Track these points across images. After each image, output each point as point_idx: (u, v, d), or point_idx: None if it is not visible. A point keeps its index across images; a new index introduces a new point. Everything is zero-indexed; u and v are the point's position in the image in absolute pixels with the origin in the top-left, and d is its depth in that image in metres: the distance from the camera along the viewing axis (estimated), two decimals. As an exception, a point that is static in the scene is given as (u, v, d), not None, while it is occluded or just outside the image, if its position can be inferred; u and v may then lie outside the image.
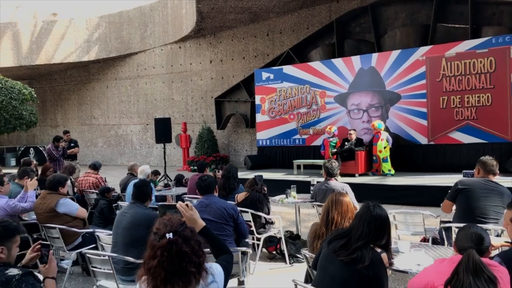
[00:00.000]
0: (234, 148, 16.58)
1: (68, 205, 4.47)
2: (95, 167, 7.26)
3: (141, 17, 18.71)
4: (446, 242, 3.96)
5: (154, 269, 1.79)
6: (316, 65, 11.78)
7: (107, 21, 19.31)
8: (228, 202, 4.16)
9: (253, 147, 16.03)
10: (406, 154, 10.39)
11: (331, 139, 10.43)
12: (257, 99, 12.80)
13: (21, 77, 21.29)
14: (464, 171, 5.31)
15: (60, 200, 4.44)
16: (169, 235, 1.80)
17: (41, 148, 18.70)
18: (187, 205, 2.28)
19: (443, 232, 4.05)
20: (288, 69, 12.28)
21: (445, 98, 9.95)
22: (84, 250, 3.46)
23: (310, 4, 14.16)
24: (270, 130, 12.50)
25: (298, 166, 10.61)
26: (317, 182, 5.43)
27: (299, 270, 4.65)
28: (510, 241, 2.81)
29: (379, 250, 2.50)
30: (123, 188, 6.52)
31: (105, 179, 7.40)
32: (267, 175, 9.39)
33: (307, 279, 3.26)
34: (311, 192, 5.30)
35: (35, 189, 4.93)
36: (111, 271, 3.22)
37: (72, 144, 9.59)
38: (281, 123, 12.32)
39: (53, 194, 4.51)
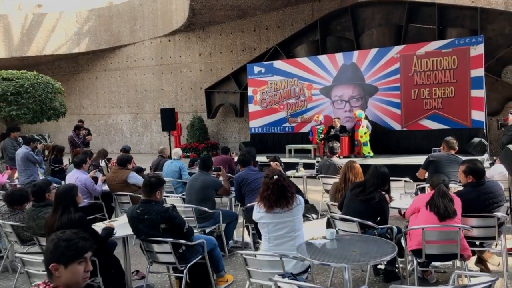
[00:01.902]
0: (223, 136, 17.83)
1: (136, 177, 5.76)
2: (126, 150, 8.44)
3: (130, 11, 19.51)
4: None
5: (268, 196, 3.17)
6: (304, 60, 13.18)
7: (96, 14, 20.04)
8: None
9: (241, 135, 17.34)
10: (383, 139, 11.94)
11: (318, 126, 11.88)
12: (250, 90, 14.11)
13: (9, 68, 21.72)
14: (433, 148, 6.81)
15: (130, 173, 5.73)
16: (276, 176, 3.18)
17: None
18: (276, 164, 3.66)
19: (419, 192, 5.55)
20: (278, 64, 13.64)
21: (416, 91, 11.55)
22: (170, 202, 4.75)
23: (294, 3, 15.45)
24: (262, 118, 13.86)
25: (290, 150, 12.04)
26: (318, 161, 6.88)
27: (309, 226, 6.05)
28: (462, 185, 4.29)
29: (383, 192, 3.96)
30: (155, 168, 7.79)
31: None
32: (262, 158, 10.72)
33: (328, 225, 4.68)
34: (316, 167, 6.74)
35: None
36: (193, 218, 4.55)
37: (86, 132, 10.70)
38: (272, 113, 13.71)
39: (123, 169, 5.79)
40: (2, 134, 9.46)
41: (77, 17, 20.13)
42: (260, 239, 3.56)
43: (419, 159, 9.25)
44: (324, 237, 3.24)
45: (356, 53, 12.42)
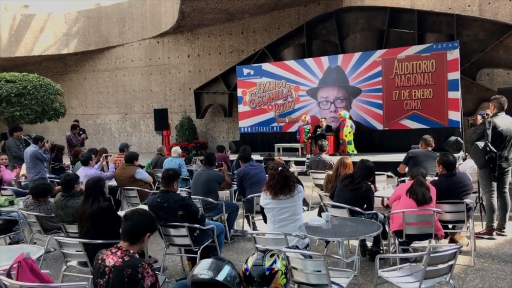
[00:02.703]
0: (212, 135, 18.32)
1: (143, 173, 6.26)
2: (123, 147, 8.87)
3: (119, 13, 19.83)
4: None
5: (274, 185, 3.73)
6: (291, 63, 13.79)
7: (85, 15, 20.29)
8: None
9: (230, 134, 17.86)
10: (366, 138, 12.59)
11: (305, 126, 12.49)
12: (239, 91, 14.65)
13: (-3, 68, 21.92)
14: (412, 145, 7.46)
15: (137, 169, 6.23)
16: (280, 168, 3.74)
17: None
18: (279, 158, 4.22)
19: (399, 184, 6.18)
20: (266, 66, 14.21)
21: (397, 92, 12.25)
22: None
23: (281, 7, 16.04)
24: (251, 119, 14.42)
25: (278, 149, 12.63)
26: (309, 157, 7.46)
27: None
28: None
29: (369, 183, 4.55)
30: (155, 165, 8.28)
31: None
32: (255, 157, 11.28)
33: (321, 211, 5.26)
34: (306, 163, 7.33)
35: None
36: (200, 208, 5.07)
37: (81, 132, 11.12)
38: (261, 113, 14.28)
39: (130, 165, 6.28)
40: (2, 133, 9.81)
41: (65, 18, 20.35)
42: (266, 222, 4.12)
43: (400, 157, 9.94)
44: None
45: (340, 56, 13.07)
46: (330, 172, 6.59)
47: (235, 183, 5.93)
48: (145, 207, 3.93)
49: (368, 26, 13.77)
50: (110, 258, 2.44)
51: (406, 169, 6.22)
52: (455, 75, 11.44)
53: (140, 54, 19.64)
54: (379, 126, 12.57)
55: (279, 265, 2.23)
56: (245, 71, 14.48)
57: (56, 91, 11.01)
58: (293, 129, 13.53)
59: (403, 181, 5.97)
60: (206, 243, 4.26)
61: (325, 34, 14.55)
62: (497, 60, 12.18)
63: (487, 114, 5.33)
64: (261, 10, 16.14)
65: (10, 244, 5.37)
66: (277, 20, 16.36)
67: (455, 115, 11.53)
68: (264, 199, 3.89)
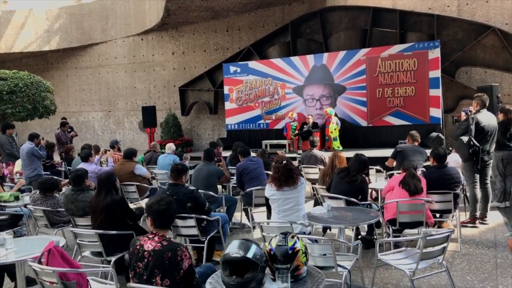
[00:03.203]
0: (197, 132, 18.44)
1: (142, 169, 6.43)
2: (114, 143, 8.98)
3: (102, 10, 19.71)
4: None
5: (279, 177, 3.98)
6: (277, 61, 14.06)
7: (67, 12, 20.11)
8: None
9: (215, 131, 18.03)
10: (351, 134, 12.96)
11: (292, 123, 12.79)
12: (226, 89, 14.85)
13: (-25, 64, 21.55)
14: (400, 140, 7.83)
15: (136, 165, 6.41)
16: (285, 162, 4.00)
17: None
18: (281, 152, 4.47)
19: (388, 178, 6.52)
20: (253, 64, 14.45)
21: (380, 90, 12.65)
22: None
23: (265, 6, 16.25)
24: (238, 116, 14.64)
25: (266, 145, 12.89)
26: (300, 153, 7.73)
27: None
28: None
29: (364, 175, 4.85)
30: (148, 162, 8.45)
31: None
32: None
33: (316, 204, 5.55)
34: (298, 158, 7.60)
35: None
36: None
37: (69, 129, 11.18)
38: (248, 110, 14.51)
39: (129, 161, 6.45)
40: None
41: (47, 15, 20.14)
42: (270, 213, 4.37)
43: (384, 152, 10.35)
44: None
45: (326, 55, 13.41)
46: (321, 167, 6.91)
47: (233, 177, 6.18)
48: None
49: (352, 25, 14.14)
50: (149, 243, 2.65)
51: (394, 163, 6.55)
52: (436, 73, 11.89)
53: (123, 51, 19.59)
54: (363, 123, 12.95)
55: (299, 245, 2.49)
56: (232, 68, 14.69)
57: (47, 89, 11.03)
58: (279, 126, 13.82)
59: (392, 174, 6.31)
60: (212, 233, 4.49)
61: (310, 33, 14.86)
62: (475, 59, 12.71)
63: (470, 111, 5.71)
64: (246, 8, 16.32)
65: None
66: (261, 18, 16.57)
67: (436, 112, 11.99)
68: (269, 190, 4.14)
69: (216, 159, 6.17)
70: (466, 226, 5.69)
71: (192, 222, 4.26)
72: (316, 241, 3.35)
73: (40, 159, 7.42)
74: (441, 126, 12.07)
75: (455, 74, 13.16)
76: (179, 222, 4.38)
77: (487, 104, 5.65)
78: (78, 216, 4.50)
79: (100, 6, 19.70)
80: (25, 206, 5.37)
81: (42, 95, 10.57)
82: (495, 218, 6.06)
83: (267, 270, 2.47)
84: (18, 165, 8.06)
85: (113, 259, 3.96)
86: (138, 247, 2.68)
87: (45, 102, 10.79)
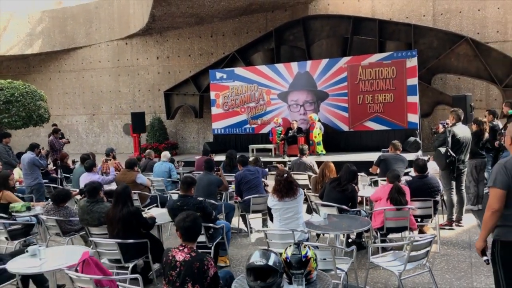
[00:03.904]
0: (182, 136, 18.74)
1: (143, 178, 6.80)
2: (108, 153, 9.30)
3: (85, 14, 19.78)
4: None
5: (280, 189, 4.44)
6: (262, 68, 14.53)
7: (50, 15, 20.10)
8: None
9: (200, 135, 18.38)
10: (333, 138, 13.51)
11: (277, 128, 13.26)
12: (212, 94, 15.23)
13: (-45, 67, 21.32)
14: (382, 149, 8.41)
15: (138, 174, 6.77)
16: (286, 175, 4.46)
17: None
18: (281, 165, 4.93)
19: (372, 184, 7.07)
20: (239, 70, 14.88)
21: (361, 96, 13.25)
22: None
23: (249, 12, 16.68)
24: (224, 120, 15.04)
25: (252, 150, 13.32)
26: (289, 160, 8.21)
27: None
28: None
29: (354, 185, 5.36)
30: (143, 169, 8.79)
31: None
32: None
33: (309, 210, 6.02)
34: (288, 165, 8.08)
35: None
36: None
37: (60, 136, 11.40)
38: (234, 115, 14.93)
39: (131, 171, 6.80)
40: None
41: (29, 18, 20.08)
42: (272, 221, 4.83)
43: (365, 156, 10.96)
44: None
45: (309, 62, 13.95)
46: (310, 173, 7.41)
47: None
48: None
49: (333, 33, 14.71)
50: (179, 255, 3.07)
51: (378, 170, 7.09)
52: (413, 81, 12.56)
53: (108, 55, 19.71)
54: (345, 128, 13.53)
55: (310, 254, 2.94)
56: (218, 75, 15.08)
57: (41, 98, 11.23)
58: (265, 130, 14.29)
59: (376, 181, 6.86)
60: (218, 240, 4.91)
61: (293, 40, 15.37)
62: (449, 66, 13.44)
63: (447, 124, 6.28)
64: (231, 15, 16.70)
65: (23, 246, 5.78)
66: (245, 25, 16.98)
67: (414, 118, 12.66)
68: (271, 201, 4.59)
69: (215, 169, 6.58)
70: (444, 229, 6.26)
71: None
72: (317, 247, 3.81)
73: (40, 168, 7.68)
74: (418, 131, 12.73)
75: (431, 81, 13.86)
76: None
77: (462, 118, 6.24)
78: (93, 226, 4.85)
79: (84, 10, 19.77)
80: (35, 216, 5.68)
81: (37, 103, 10.80)
82: (469, 220, 6.67)
83: (284, 275, 2.92)
84: (16, 173, 8.29)
85: (130, 265, 4.35)
86: (170, 257, 3.09)
87: (40, 111, 11.01)
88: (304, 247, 2.97)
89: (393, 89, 12.83)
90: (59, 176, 9.42)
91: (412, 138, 12.31)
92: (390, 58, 12.82)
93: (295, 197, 4.51)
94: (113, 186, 7.06)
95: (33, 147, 7.63)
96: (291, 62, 14.30)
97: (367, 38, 14.14)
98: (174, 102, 17.77)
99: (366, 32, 14.22)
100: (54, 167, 10.06)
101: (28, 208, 5.74)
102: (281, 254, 3.01)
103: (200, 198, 4.82)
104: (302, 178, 7.66)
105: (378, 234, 5.06)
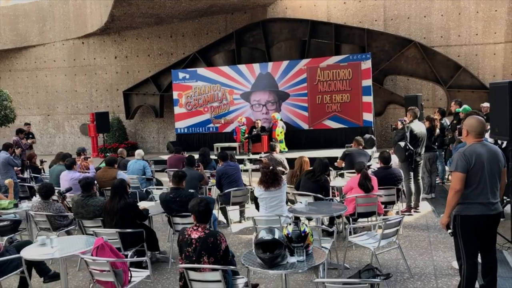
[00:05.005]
0: (141, 135, 18.74)
1: (124, 175, 7.03)
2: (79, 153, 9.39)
3: (38, 12, 19.29)
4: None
5: (266, 180, 4.91)
6: (225, 69, 14.95)
7: (0, 13, 19.49)
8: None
9: (160, 135, 18.48)
10: (294, 137, 14.17)
11: (241, 127, 13.72)
12: (175, 94, 15.45)
13: None
14: (346, 144, 9.10)
15: (119, 171, 7.00)
16: (271, 167, 4.94)
17: None
18: (265, 159, 5.40)
19: (338, 176, 7.70)
20: (201, 71, 15.21)
21: (320, 97, 14.00)
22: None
23: (209, 14, 17.00)
24: (187, 120, 15.32)
25: (217, 148, 13.68)
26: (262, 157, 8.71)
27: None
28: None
29: (326, 176, 5.93)
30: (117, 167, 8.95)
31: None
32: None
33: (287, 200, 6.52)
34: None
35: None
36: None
37: (30, 136, 11.26)
38: (197, 115, 15.24)
39: (111, 168, 7.02)
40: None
41: (-23, 15, 19.35)
42: (258, 210, 5.29)
43: (325, 153, 11.67)
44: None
45: (270, 64, 14.52)
46: (281, 168, 7.93)
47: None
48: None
49: (291, 36, 15.37)
50: (194, 233, 3.47)
51: (343, 164, 7.73)
52: (368, 82, 13.44)
53: (63, 55, 19.33)
54: (305, 126, 14.23)
55: (308, 230, 3.43)
56: (181, 75, 15.33)
57: (6, 98, 11.02)
58: (228, 129, 14.72)
59: (342, 174, 7.50)
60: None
61: (253, 42, 15.89)
62: (400, 68, 14.46)
63: (405, 121, 7.01)
64: (191, 16, 16.94)
65: (9, 243, 5.90)
66: (205, 26, 17.29)
67: (368, 116, 13.55)
68: (258, 191, 5.06)
69: (196, 165, 6.95)
70: (404, 214, 6.98)
71: (191, 219, 5.04)
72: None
73: (14, 168, 7.70)
74: (373, 128, 13.63)
75: (383, 82, 14.84)
76: (178, 219, 5.16)
77: (419, 116, 7.00)
78: (88, 219, 5.10)
79: (37, 8, 19.28)
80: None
81: (4, 103, 10.61)
82: (425, 207, 7.47)
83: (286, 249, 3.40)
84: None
85: (129, 252, 4.67)
86: (186, 236, 3.49)
87: (6, 111, 10.82)
88: (302, 224, 3.45)
89: (350, 90, 13.65)
90: (26, 176, 9.37)
91: (367, 135, 13.05)
92: (346, 61, 13.62)
93: (279, 187, 5.00)
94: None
95: (7, 146, 7.64)
96: (252, 63, 14.81)
97: (324, 41, 14.89)
98: (133, 102, 17.77)
99: (323, 35, 14.97)
100: (20, 168, 9.95)
101: (16, 205, 5.85)
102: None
103: (192, 190, 5.21)
104: (273, 173, 8.16)
105: (350, 219, 5.65)
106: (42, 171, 9.81)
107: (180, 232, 3.60)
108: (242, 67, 14.75)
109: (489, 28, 14.14)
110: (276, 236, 3.23)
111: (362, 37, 14.48)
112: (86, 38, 18.82)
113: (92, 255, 3.67)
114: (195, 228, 3.53)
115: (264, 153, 13.15)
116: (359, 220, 5.90)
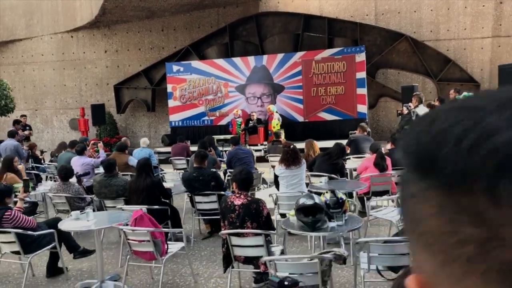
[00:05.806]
0: (132, 130, 18.64)
1: (134, 160, 7.07)
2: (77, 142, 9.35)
3: (26, 5, 18.98)
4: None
5: (288, 158, 5.05)
6: (219, 61, 15.02)
7: (-15, 6, 19.13)
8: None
9: (151, 129, 18.42)
10: (289, 129, 14.24)
11: (237, 119, 13.83)
12: (169, 87, 15.46)
13: None
14: (350, 131, 9.33)
15: (129, 157, 7.05)
16: (292, 146, 5.07)
17: None
18: (284, 140, 5.54)
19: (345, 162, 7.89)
20: (196, 63, 15.25)
21: (315, 89, 14.21)
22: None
23: (201, 7, 17.02)
24: (182, 113, 15.34)
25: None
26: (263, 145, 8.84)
27: (262, 192, 8.00)
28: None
29: (342, 160, 6.10)
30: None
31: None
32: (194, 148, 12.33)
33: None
34: (264, 149, 8.72)
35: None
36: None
37: (27, 127, 11.14)
38: (192, 108, 15.28)
39: (122, 154, 7.07)
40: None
41: (-39, 8, 18.95)
42: (278, 189, 5.44)
43: (321, 144, 11.79)
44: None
45: (265, 56, 14.67)
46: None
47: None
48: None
49: (284, 30, 15.53)
50: (237, 200, 3.59)
51: (349, 149, 7.92)
52: (362, 74, 13.70)
53: (51, 48, 19.06)
54: (300, 118, 14.43)
55: (344, 197, 3.58)
56: (175, 68, 15.34)
57: (6, 87, 10.88)
58: (223, 122, 14.81)
59: (349, 158, 7.68)
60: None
61: (246, 35, 15.99)
62: (391, 62, 14.77)
63: (410, 106, 7.24)
64: (182, 9, 16.92)
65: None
66: (197, 20, 17.29)
67: (363, 108, 13.82)
68: (279, 169, 5.20)
69: (208, 149, 7.05)
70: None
71: (214, 197, 5.16)
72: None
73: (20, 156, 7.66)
74: (367, 120, 13.89)
75: (375, 75, 15.13)
76: (199, 198, 5.25)
77: (423, 100, 7.24)
78: (111, 198, 5.15)
79: (24, 1, 18.97)
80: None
81: (5, 93, 10.48)
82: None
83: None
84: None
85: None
86: (229, 203, 3.61)
87: (7, 100, 10.69)
88: (338, 192, 3.61)
89: (344, 82, 13.89)
90: (30, 165, 9.29)
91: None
92: (340, 53, 13.86)
93: (300, 165, 5.15)
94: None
95: (13, 134, 7.60)
96: (246, 56, 14.91)
97: (316, 35, 15.09)
98: (124, 96, 17.67)
99: (316, 29, 15.17)
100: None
101: (33, 188, 5.85)
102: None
103: (213, 169, 5.31)
104: (277, 160, 8.31)
105: (365, 198, 5.83)
106: (42, 161, 9.74)
107: (222, 200, 3.72)
108: (237, 60, 14.85)
109: (477, 23, 14.55)
110: (317, 201, 3.37)
111: (355, 31, 14.73)
112: (75, 32, 18.60)
113: (131, 226, 3.74)
114: (237, 195, 3.65)
115: (260, 144, 13.32)
116: (373, 198, 6.08)
